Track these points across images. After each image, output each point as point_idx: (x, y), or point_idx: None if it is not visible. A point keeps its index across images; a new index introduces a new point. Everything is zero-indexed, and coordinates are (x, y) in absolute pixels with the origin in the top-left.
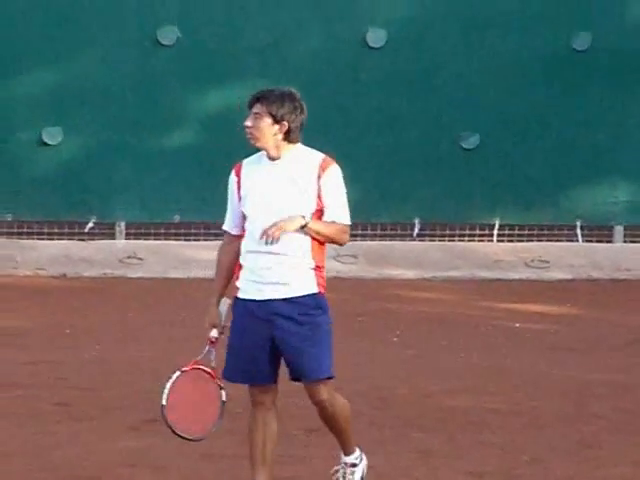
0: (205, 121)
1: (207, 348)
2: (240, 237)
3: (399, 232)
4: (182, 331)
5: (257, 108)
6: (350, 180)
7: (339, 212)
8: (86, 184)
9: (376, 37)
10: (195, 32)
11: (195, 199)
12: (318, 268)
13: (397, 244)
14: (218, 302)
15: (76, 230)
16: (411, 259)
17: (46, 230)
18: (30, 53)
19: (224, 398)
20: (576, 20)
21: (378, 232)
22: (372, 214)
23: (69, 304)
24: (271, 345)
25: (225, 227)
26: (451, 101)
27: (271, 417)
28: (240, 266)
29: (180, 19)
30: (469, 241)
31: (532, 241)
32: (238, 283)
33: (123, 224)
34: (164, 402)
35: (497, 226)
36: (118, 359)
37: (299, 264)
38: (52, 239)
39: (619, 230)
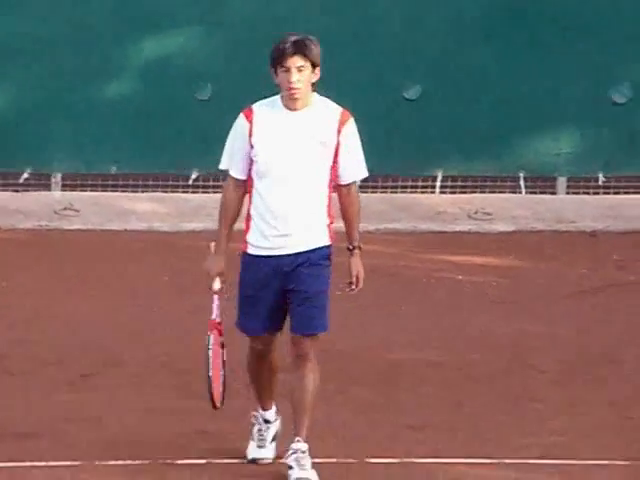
0: (142, 70)
1: (216, 302)
2: (245, 182)
3: None
4: (119, 284)
5: (299, 60)
6: None
7: (358, 169)
8: (20, 135)
9: None
10: None
11: (133, 150)
12: (330, 222)
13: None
14: (224, 249)
15: (10, 181)
16: None
17: None
18: None
19: (225, 357)
20: None
21: None
22: None
23: (3, 257)
24: (283, 295)
25: (231, 172)
26: (393, 52)
27: (273, 358)
28: (248, 216)
29: None
30: (411, 193)
31: (475, 193)
32: (250, 237)
33: (59, 175)
34: (210, 373)
35: (439, 178)
36: (53, 313)
37: (317, 219)
38: None
39: (562, 181)
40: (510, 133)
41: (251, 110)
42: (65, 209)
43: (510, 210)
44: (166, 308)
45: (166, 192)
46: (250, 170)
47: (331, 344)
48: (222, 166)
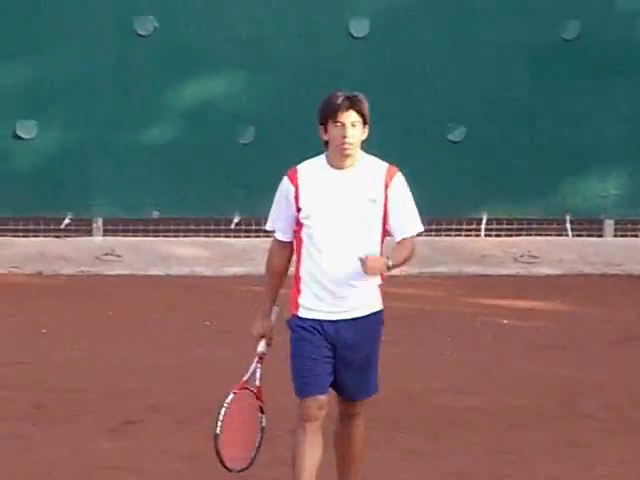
0: (183, 115)
1: (255, 365)
2: (291, 244)
3: None
4: (162, 330)
5: (353, 116)
6: None
7: (411, 225)
8: (62, 179)
9: (359, 26)
10: (173, 22)
11: (174, 194)
12: (382, 282)
13: None
14: (270, 311)
15: (52, 227)
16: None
17: (21, 227)
18: (4, 44)
19: (264, 424)
20: (564, 9)
21: None
22: None
23: (45, 303)
24: (334, 360)
25: (277, 234)
26: (436, 93)
27: (319, 440)
28: (298, 278)
29: (157, 9)
30: (456, 236)
31: (520, 235)
32: (302, 299)
33: (100, 220)
34: (218, 431)
35: (484, 220)
36: (96, 359)
37: (370, 282)
38: (27, 236)
39: (609, 224)
40: (556, 175)
41: (295, 171)
42: (107, 254)
43: (557, 253)
44: (208, 353)
45: (208, 236)
46: (296, 231)
47: None
48: (268, 227)
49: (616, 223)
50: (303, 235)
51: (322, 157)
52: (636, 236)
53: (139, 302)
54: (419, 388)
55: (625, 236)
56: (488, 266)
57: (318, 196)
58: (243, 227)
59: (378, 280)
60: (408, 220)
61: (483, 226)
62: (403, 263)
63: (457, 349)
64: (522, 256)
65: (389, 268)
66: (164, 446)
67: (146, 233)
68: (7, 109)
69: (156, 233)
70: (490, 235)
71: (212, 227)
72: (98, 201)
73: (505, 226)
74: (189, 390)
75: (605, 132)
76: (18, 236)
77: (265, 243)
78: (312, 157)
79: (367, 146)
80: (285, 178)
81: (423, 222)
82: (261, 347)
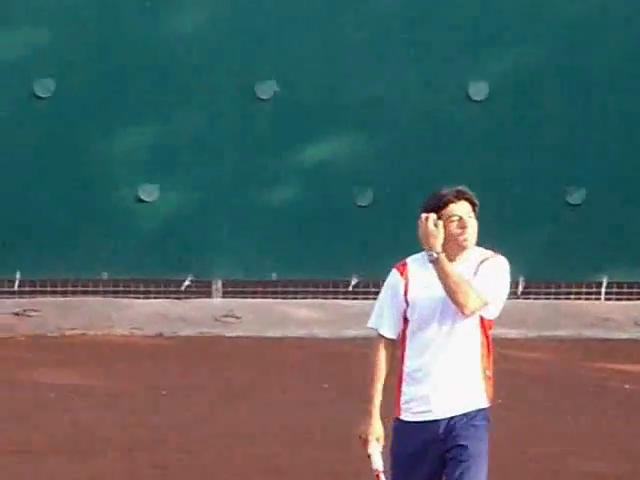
0: (302, 177)
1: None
2: (396, 341)
3: None
4: (280, 391)
5: (468, 209)
6: None
7: (487, 293)
8: (182, 241)
9: (478, 90)
10: (293, 85)
11: (292, 256)
12: (488, 377)
13: None
14: (377, 412)
15: (172, 288)
16: (515, 318)
17: (142, 288)
18: (128, 110)
19: None
20: None
21: None
22: None
23: (165, 364)
24: (440, 463)
25: (381, 330)
26: (556, 155)
27: None
28: (401, 379)
29: (278, 73)
30: (575, 299)
31: None
32: (404, 401)
33: (220, 282)
34: None
35: (605, 284)
36: (217, 421)
37: (474, 377)
38: (148, 297)
39: None
40: None
41: (405, 265)
42: (226, 316)
43: None
44: (326, 416)
45: (326, 298)
46: (403, 329)
47: (494, 454)
48: (371, 324)
49: None
50: (408, 331)
51: (423, 253)
52: None
53: (258, 364)
54: (539, 452)
55: None
56: (609, 330)
57: (423, 292)
58: (361, 289)
59: (481, 372)
60: (486, 288)
61: (603, 289)
62: (453, 280)
63: (577, 414)
64: None
65: (437, 258)
66: None
67: (264, 295)
68: (130, 173)
69: (274, 295)
70: (610, 298)
71: (330, 289)
72: (217, 263)
73: (626, 289)
74: (308, 453)
75: None
76: (139, 297)
77: None
78: None
79: (486, 207)
80: (394, 270)
81: (542, 285)
82: (378, 459)
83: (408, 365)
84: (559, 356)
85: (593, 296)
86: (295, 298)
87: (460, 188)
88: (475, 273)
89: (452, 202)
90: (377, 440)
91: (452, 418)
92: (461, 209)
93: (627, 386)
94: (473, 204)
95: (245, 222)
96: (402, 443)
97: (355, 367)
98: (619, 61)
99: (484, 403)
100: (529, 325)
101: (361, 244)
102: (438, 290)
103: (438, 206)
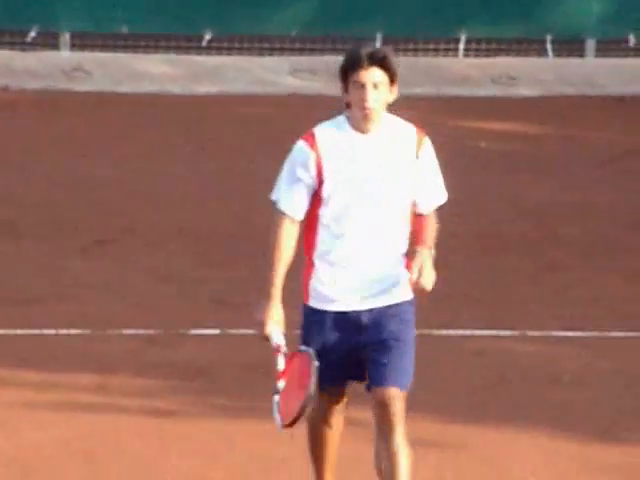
0: None
1: (280, 359)
2: (302, 222)
3: None
4: (132, 148)
5: (378, 76)
6: None
7: (439, 195)
8: None
9: None
10: None
11: (145, 9)
12: (407, 265)
13: None
14: (279, 296)
15: (16, 40)
16: None
17: None
18: None
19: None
20: None
21: (339, 47)
22: (335, 28)
23: (12, 118)
24: (359, 348)
25: (286, 209)
26: None
27: (340, 420)
28: (311, 263)
29: None
30: (433, 56)
31: (499, 56)
32: (315, 287)
33: (68, 34)
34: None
35: (463, 40)
36: (65, 176)
37: (400, 263)
38: None
39: (591, 44)
40: None
41: (313, 135)
42: (75, 70)
43: (536, 74)
44: (182, 172)
45: (179, 54)
46: (314, 208)
47: None
48: (274, 198)
49: (597, 43)
50: (319, 211)
51: (341, 118)
52: (618, 56)
53: (108, 120)
54: None
55: (607, 57)
56: (466, 87)
57: (339, 166)
58: (215, 45)
59: (403, 262)
60: (435, 191)
61: (462, 46)
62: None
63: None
64: (500, 77)
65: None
66: (135, 266)
67: (115, 49)
68: None
69: (125, 49)
70: (469, 55)
71: (183, 44)
72: (65, 14)
73: (484, 46)
74: (162, 210)
75: None
76: None
77: (238, 62)
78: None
79: None
80: (301, 142)
81: (401, 42)
82: (276, 336)
83: (319, 247)
84: (416, 114)
85: (451, 53)
86: (147, 53)
87: (374, 51)
88: (417, 157)
89: (362, 68)
90: (276, 324)
91: (377, 309)
92: (369, 77)
93: (483, 144)
94: (388, 69)
95: None
96: (313, 330)
97: (210, 125)
98: None
99: (411, 294)
100: None
101: None
102: (359, 165)
103: (349, 70)
